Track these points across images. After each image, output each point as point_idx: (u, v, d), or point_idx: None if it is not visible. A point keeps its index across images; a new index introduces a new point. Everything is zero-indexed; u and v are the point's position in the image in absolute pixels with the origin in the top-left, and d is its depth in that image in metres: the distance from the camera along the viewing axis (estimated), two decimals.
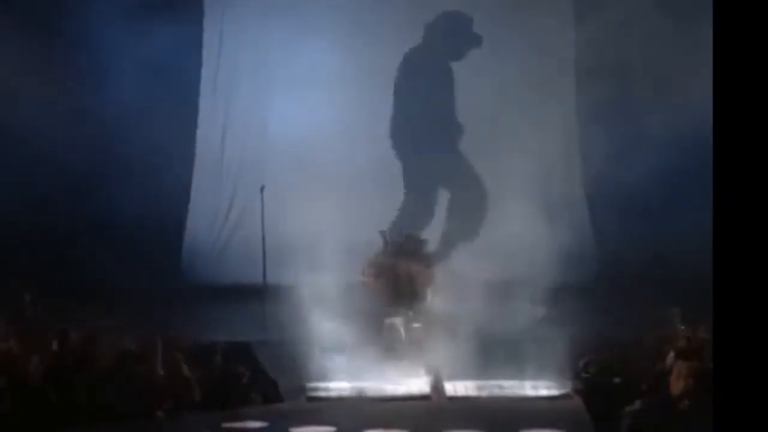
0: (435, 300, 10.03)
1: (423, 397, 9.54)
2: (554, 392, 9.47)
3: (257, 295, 11.38)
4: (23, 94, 11.69)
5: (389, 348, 9.89)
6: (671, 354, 8.25)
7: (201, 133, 13.46)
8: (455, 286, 10.53)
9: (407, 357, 9.86)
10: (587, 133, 12.93)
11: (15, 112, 11.79)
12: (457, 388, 9.69)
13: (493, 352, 9.77)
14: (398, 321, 9.98)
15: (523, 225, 11.71)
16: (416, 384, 9.75)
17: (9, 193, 11.84)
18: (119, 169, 12.32)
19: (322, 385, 9.74)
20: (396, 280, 10.01)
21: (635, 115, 12.22)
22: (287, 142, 13.08)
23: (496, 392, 9.61)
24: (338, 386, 9.75)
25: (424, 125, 13.24)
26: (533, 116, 12.85)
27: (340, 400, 9.53)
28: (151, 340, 9.03)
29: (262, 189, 11.87)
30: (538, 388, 9.58)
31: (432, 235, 12.23)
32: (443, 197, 13.19)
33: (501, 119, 12.87)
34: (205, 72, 13.51)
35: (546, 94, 13.11)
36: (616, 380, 8.53)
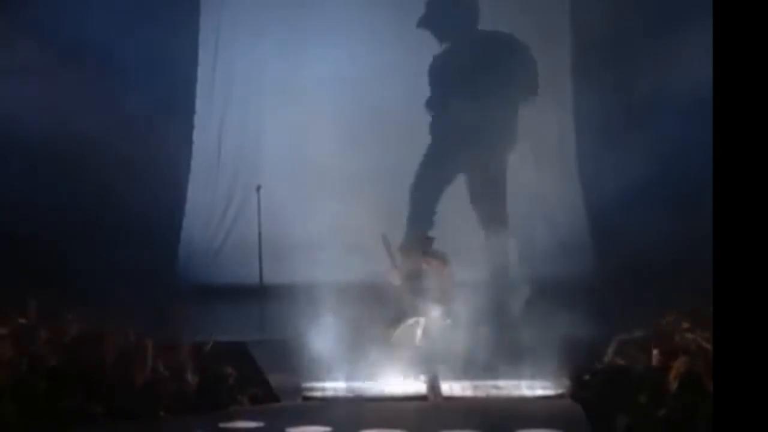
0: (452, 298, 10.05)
1: (419, 398, 9.54)
2: (550, 392, 9.46)
3: (254, 295, 11.38)
4: (20, 94, 11.68)
5: (403, 347, 9.89)
6: (668, 352, 8.26)
7: (197, 133, 13.45)
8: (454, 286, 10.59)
9: (421, 357, 9.87)
10: (585, 130, 12.93)
11: (12, 112, 11.78)
12: (453, 388, 9.69)
13: (489, 352, 9.78)
14: (416, 321, 9.99)
15: (519, 223, 11.78)
16: (413, 384, 9.74)
17: (6, 192, 11.86)
18: (115, 169, 12.28)
19: (318, 385, 9.74)
20: (419, 281, 10.02)
21: (634, 111, 12.20)
22: (283, 141, 13.11)
23: (493, 392, 9.62)
24: (334, 386, 9.75)
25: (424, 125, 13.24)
26: (528, 111, 12.90)
27: (337, 400, 9.53)
28: (147, 340, 9.03)
29: (258, 189, 11.87)
30: (535, 388, 9.59)
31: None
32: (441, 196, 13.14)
33: (499, 117, 12.88)
34: (202, 72, 13.50)
35: (541, 90, 13.11)
36: (617, 382, 8.51)
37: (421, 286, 10.07)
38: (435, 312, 10.04)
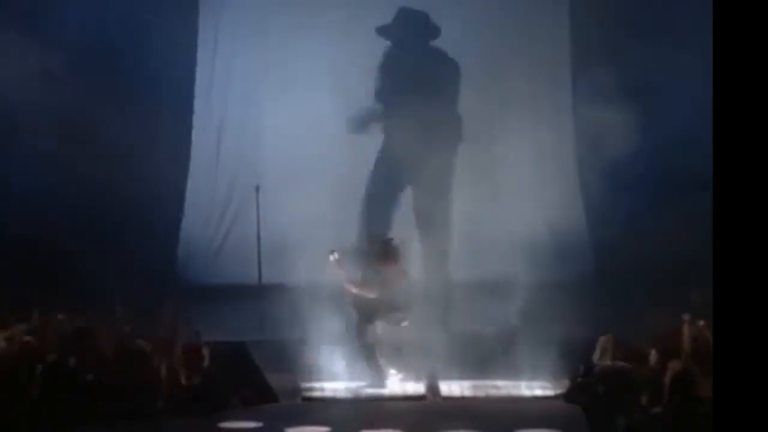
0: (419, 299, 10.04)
1: (418, 398, 9.55)
2: (549, 392, 9.47)
3: (253, 295, 11.39)
4: (19, 95, 11.68)
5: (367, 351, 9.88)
6: (664, 354, 8.26)
7: (196, 133, 13.43)
8: (451, 286, 10.59)
9: (386, 359, 9.86)
10: (583, 129, 12.93)
11: (12, 113, 11.79)
12: (452, 388, 9.70)
13: (487, 352, 9.79)
14: (380, 324, 9.96)
15: (518, 223, 11.76)
16: (411, 384, 9.75)
17: (7, 192, 11.88)
18: (114, 169, 12.27)
19: (317, 385, 9.75)
20: (377, 285, 9.96)
21: (632, 113, 12.18)
22: (282, 142, 13.10)
23: (492, 392, 9.63)
24: (333, 386, 9.75)
25: (422, 124, 13.20)
26: (528, 112, 12.91)
27: (336, 401, 9.54)
28: (146, 340, 9.04)
29: (257, 189, 11.87)
30: (533, 388, 9.60)
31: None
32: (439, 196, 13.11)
33: (497, 117, 12.88)
34: (200, 72, 13.48)
35: (542, 91, 13.11)
36: (613, 384, 8.50)
37: (387, 288, 9.97)
38: (397, 313, 10.00)
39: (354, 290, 9.99)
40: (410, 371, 9.86)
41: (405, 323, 9.96)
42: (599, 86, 12.05)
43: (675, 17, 11.88)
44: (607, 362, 8.74)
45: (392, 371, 9.87)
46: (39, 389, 8.16)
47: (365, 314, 9.94)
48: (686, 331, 8.50)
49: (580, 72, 12.95)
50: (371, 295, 9.89)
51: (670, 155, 11.84)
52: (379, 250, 10.17)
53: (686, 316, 8.67)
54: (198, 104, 13.44)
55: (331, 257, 10.12)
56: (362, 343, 9.86)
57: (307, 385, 9.71)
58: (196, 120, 13.46)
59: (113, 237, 12.18)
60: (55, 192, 12.26)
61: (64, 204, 12.26)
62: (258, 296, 11.33)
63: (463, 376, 9.75)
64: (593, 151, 12.25)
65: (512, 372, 9.66)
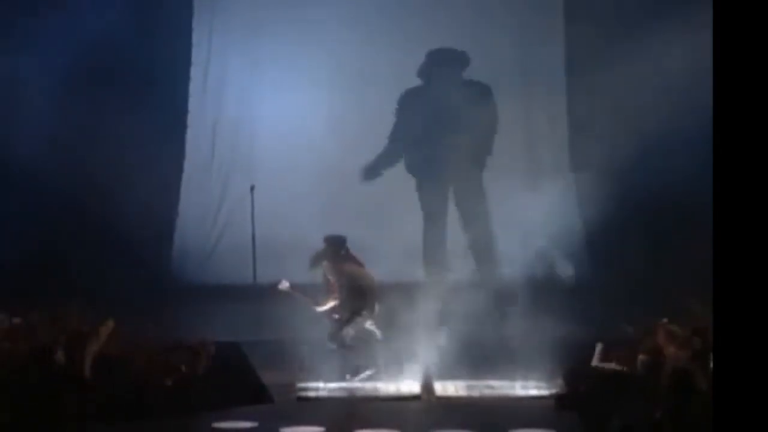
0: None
1: (413, 397, 9.56)
2: (544, 392, 9.49)
3: (247, 296, 11.39)
4: (17, 94, 11.71)
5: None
6: (660, 355, 8.30)
7: (191, 133, 13.45)
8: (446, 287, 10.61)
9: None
10: (580, 129, 12.97)
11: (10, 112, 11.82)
12: (447, 388, 9.72)
13: (483, 352, 9.82)
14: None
15: (514, 223, 11.79)
16: (407, 384, 9.76)
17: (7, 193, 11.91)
18: (109, 169, 12.28)
19: (312, 384, 9.76)
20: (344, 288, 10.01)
21: (630, 115, 12.22)
22: (277, 142, 13.12)
23: (487, 392, 9.64)
24: (328, 386, 9.77)
25: (418, 126, 13.25)
26: (524, 112, 12.95)
27: (330, 400, 9.55)
28: (142, 340, 9.05)
29: (252, 189, 11.88)
30: (528, 388, 9.62)
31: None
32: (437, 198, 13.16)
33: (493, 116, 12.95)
34: (195, 72, 13.50)
35: (538, 97, 13.15)
36: (609, 386, 8.54)
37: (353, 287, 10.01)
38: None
39: (324, 307, 10.04)
40: (387, 369, 9.88)
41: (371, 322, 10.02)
42: (595, 91, 12.11)
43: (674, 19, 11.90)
44: (603, 364, 8.77)
45: (367, 371, 9.88)
46: (37, 389, 8.16)
47: (340, 320, 9.98)
48: (681, 332, 8.54)
49: (575, 76, 13.00)
50: (338, 300, 9.94)
51: (669, 158, 11.88)
52: (333, 248, 10.17)
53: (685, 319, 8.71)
54: (192, 104, 13.46)
55: (281, 286, 10.12)
56: (338, 345, 9.89)
57: (302, 384, 9.71)
58: (191, 119, 13.48)
59: (108, 237, 12.18)
60: (49, 193, 12.26)
61: (58, 204, 12.26)
62: (253, 296, 11.33)
63: (458, 376, 9.76)
64: (590, 153, 12.32)
65: (507, 372, 9.67)
